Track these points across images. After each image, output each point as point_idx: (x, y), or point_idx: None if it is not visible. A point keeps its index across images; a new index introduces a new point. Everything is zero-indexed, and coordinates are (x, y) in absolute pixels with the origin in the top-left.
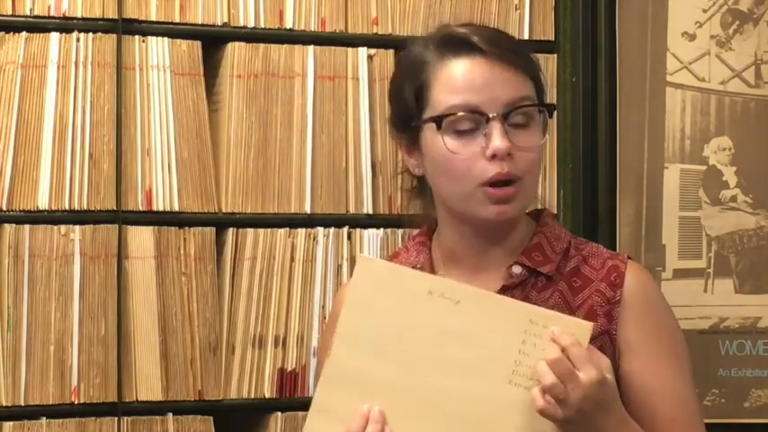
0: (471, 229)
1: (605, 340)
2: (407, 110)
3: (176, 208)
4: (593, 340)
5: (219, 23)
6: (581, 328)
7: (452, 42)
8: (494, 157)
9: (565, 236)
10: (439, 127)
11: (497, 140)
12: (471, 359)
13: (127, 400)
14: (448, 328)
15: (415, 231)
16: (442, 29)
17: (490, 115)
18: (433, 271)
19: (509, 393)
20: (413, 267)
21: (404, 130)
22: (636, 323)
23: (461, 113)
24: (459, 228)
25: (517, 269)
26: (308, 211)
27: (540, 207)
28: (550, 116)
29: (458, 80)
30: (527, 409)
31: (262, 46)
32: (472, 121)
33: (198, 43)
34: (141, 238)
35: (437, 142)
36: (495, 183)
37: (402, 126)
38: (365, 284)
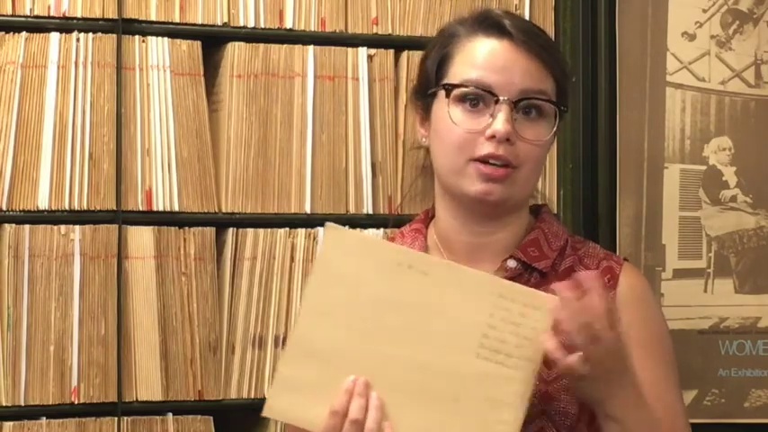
0: (464, 211)
1: None
2: (428, 78)
3: (176, 208)
4: None
5: (219, 23)
6: (547, 302)
7: (486, 22)
8: (492, 138)
9: (562, 233)
10: (448, 95)
11: (500, 123)
12: (439, 331)
13: (127, 400)
14: (416, 300)
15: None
16: (481, 10)
17: (501, 98)
18: None
19: (477, 366)
20: None
21: (421, 99)
22: (628, 325)
23: (472, 88)
24: (453, 210)
25: (512, 263)
26: (308, 211)
27: (540, 203)
28: (560, 117)
29: (480, 57)
30: (494, 381)
31: (262, 46)
32: (482, 99)
33: (198, 43)
34: (141, 238)
35: (444, 111)
36: (486, 161)
37: (420, 94)
38: (333, 254)
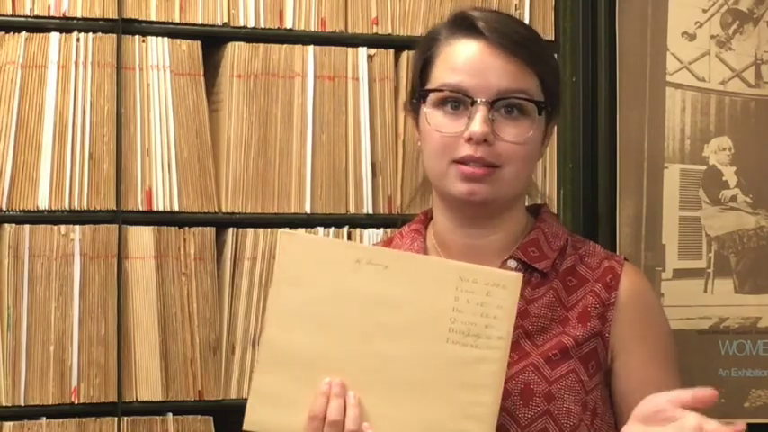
0: (456, 212)
1: (598, 342)
2: (414, 83)
3: (176, 208)
4: (584, 342)
5: (219, 23)
6: (510, 281)
7: (463, 24)
8: (470, 140)
9: (562, 233)
10: (424, 101)
11: (476, 125)
12: (407, 322)
13: (127, 400)
14: (380, 295)
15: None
16: (458, 11)
17: (477, 100)
18: None
19: (448, 351)
20: None
21: (411, 103)
22: (631, 325)
23: (448, 92)
24: (446, 212)
25: (512, 263)
26: (308, 211)
27: (539, 203)
28: (540, 113)
29: (457, 61)
30: (468, 364)
31: (262, 46)
32: (461, 102)
33: (198, 43)
34: (141, 238)
35: (425, 116)
36: (466, 162)
37: (410, 99)
38: (291, 260)
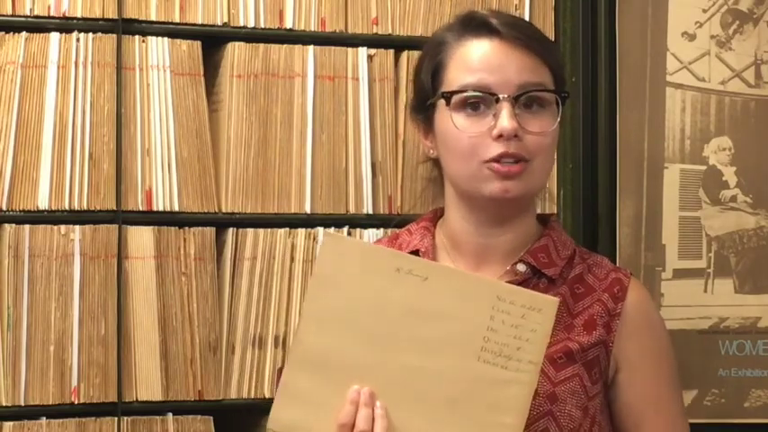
0: (479, 213)
1: (601, 350)
2: (424, 90)
3: (176, 208)
4: (590, 348)
5: (219, 23)
6: (547, 304)
7: (473, 24)
8: (500, 137)
9: (570, 243)
10: (448, 103)
11: (505, 121)
12: (440, 336)
13: (127, 400)
14: (416, 306)
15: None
16: (466, 12)
17: (501, 96)
18: (434, 257)
19: (478, 370)
20: (415, 251)
21: (420, 111)
22: (636, 340)
23: (471, 91)
24: (467, 213)
25: (522, 267)
26: (308, 211)
27: (548, 212)
28: (563, 104)
29: (473, 60)
30: (496, 385)
31: (262, 46)
32: (482, 100)
33: (198, 43)
34: (141, 238)
35: (447, 120)
36: (499, 160)
37: (419, 107)
38: (331, 262)
